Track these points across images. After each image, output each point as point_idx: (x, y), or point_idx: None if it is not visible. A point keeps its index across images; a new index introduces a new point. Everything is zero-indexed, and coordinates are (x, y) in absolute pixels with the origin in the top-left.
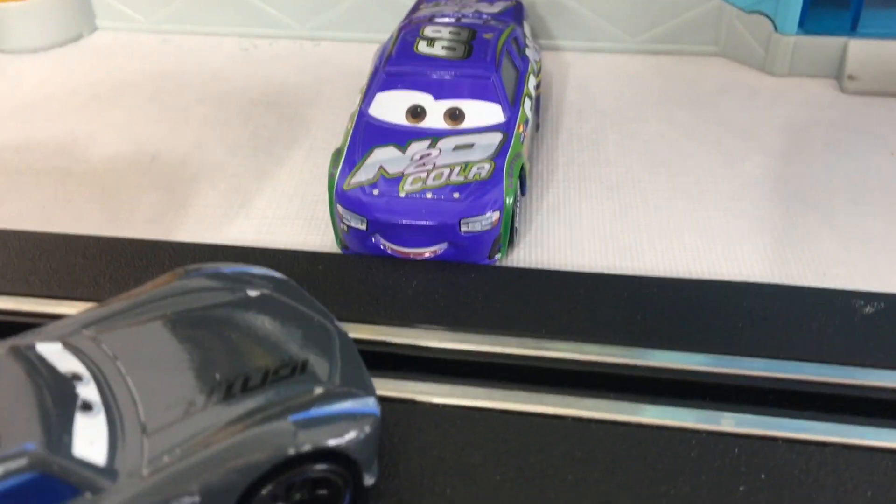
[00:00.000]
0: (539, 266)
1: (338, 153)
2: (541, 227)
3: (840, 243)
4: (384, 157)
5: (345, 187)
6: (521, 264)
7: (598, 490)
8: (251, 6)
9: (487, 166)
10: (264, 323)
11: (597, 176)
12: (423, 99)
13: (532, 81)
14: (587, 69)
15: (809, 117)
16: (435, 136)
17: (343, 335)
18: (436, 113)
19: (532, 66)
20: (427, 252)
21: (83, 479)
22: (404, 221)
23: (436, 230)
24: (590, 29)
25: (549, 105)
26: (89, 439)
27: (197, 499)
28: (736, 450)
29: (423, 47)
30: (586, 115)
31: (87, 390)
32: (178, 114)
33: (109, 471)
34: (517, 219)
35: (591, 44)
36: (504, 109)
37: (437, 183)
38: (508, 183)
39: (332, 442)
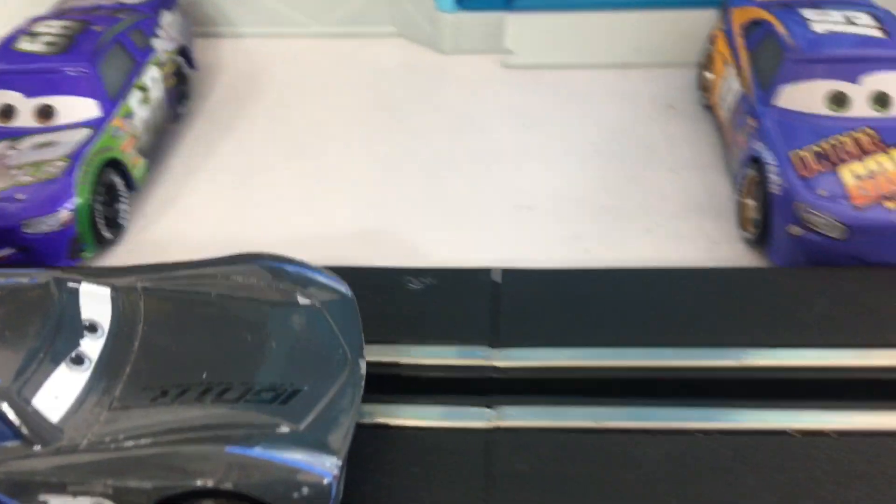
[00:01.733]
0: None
1: None
2: (153, 223)
3: (433, 220)
4: None
5: None
6: (120, 262)
7: None
8: None
9: (61, 164)
10: (288, 337)
11: (226, 166)
12: (13, 97)
13: (153, 72)
14: (264, 56)
15: (467, 94)
16: (18, 135)
17: (357, 377)
18: (25, 111)
19: (157, 56)
20: None
21: (23, 428)
22: None
23: None
24: (270, 13)
25: (209, 95)
26: (56, 393)
27: (110, 492)
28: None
29: (24, 44)
30: (244, 104)
31: (92, 344)
32: None
33: (56, 431)
34: (122, 216)
35: (275, 29)
36: (101, 104)
37: (4, 185)
38: (84, 180)
39: (256, 493)
